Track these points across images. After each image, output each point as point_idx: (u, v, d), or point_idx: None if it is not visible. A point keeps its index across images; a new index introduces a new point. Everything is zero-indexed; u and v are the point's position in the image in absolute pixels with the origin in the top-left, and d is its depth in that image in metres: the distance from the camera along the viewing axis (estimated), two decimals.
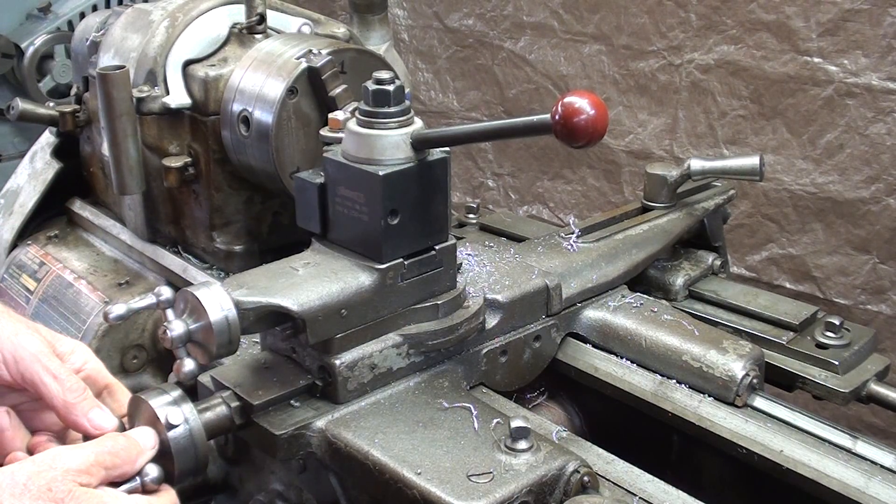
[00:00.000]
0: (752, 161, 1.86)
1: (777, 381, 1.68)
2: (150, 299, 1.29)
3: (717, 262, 1.95)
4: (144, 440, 1.24)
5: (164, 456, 1.25)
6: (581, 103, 1.21)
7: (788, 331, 1.74)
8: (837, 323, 1.71)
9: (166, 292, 1.29)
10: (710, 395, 1.54)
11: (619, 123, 3.33)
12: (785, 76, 2.92)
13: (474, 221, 2.17)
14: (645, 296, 1.76)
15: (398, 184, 1.37)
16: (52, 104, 2.17)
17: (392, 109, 1.39)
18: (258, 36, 1.84)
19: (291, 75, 1.69)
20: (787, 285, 3.04)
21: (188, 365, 1.29)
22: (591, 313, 1.70)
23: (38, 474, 1.11)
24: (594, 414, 1.71)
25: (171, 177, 1.83)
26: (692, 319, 1.67)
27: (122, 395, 1.35)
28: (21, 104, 2.09)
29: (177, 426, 1.25)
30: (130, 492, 1.22)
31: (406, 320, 1.44)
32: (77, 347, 1.34)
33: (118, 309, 1.29)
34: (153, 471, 1.23)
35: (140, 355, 1.92)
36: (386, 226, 1.37)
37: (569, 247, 1.78)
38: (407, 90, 1.45)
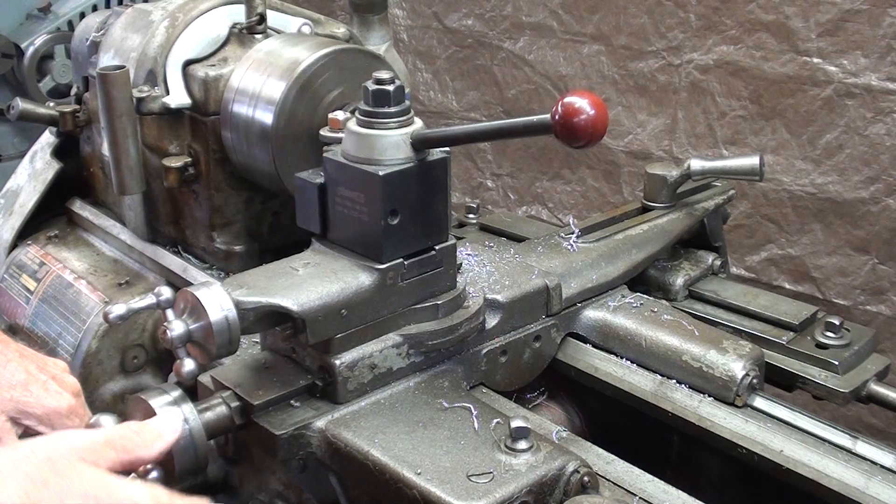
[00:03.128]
0: (752, 161, 1.86)
1: (777, 381, 1.68)
2: (150, 299, 1.29)
3: (717, 262, 1.95)
4: (165, 426, 1.22)
5: (164, 456, 1.25)
6: (581, 103, 1.21)
7: (788, 331, 1.74)
8: (837, 323, 1.71)
9: (166, 292, 1.29)
10: (710, 395, 1.54)
11: (619, 124, 3.33)
12: (784, 76, 2.92)
13: (474, 221, 2.17)
14: (645, 296, 1.76)
15: (398, 184, 1.37)
16: (52, 104, 2.17)
17: (392, 109, 1.39)
18: (258, 36, 1.84)
19: (291, 75, 1.69)
20: (787, 286, 3.04)
21: (188, 365, 1.29)
22: (591, 313, 1.70)
23: (42, 448, 1.09)
24: (594, 414, 1.71)
25: (171, 177, 1.83)
26: (692, 319, 1.67)
27: None
28: (21, 104, 2.09)
29: None
30: None
31: (406, 320, 1.44)
32: None
33: (118, 309, 1.29)
34: (153, 471, 1.23)
35: (140, 355, 1.92)
36: (386, 226, 1.37)
37: (569, 247, 1.78)
38: (407, 90, 1.45)
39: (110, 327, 1.88)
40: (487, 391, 1.54)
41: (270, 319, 1.35)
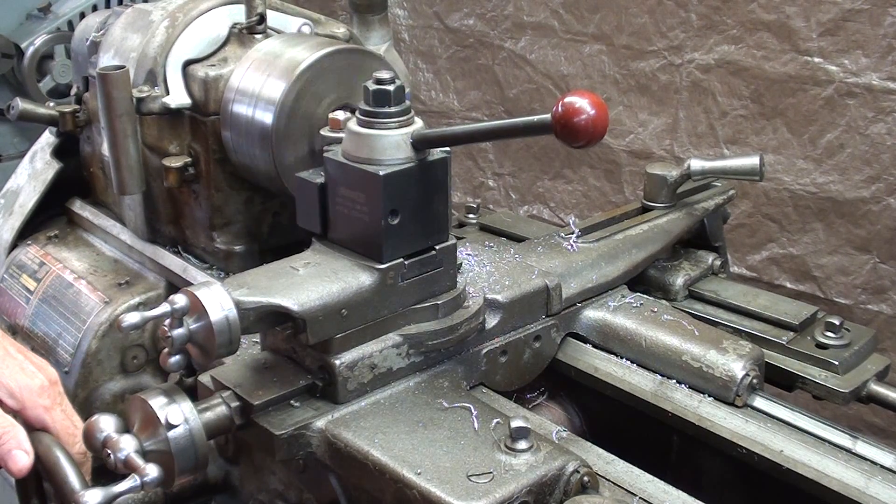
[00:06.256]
0: (752, 161, 1.86)
1: (777, 381, 1.68)
2: (164, 307, 1.27)
3: (717, 262, 1.94)
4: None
5: (164, 456, 1.25)
6: (581, 103, 1.21)
7: (788, 331, 1.74)
8: (837, 323, 1.71)
9: (181, 300, 1.27)
10: (710, 395, 1.54)
11: (620, 123, 3.33)
12: (785, 76, 2.92)
13: (474, 221, 2.16)
14: (645, 296, 1.76)
15: (398, 184, 1.37)
16: (52, 104, 2.16)
17: (392, 109, 1.39)
18: (258, 36, 1.84)
19: (291, 75, 1.69)
20: (788, 285, 3.04)
21: (174, 356, 1.29)
22: (591, 313, 1.70)
23: None
24: (594, 414, 1.71)
25: (171, 177, 1.83)
26: (692, 319, 1.67)
27: None
28: (21, 104, 2.09)
29: (177, 426, 1.25)
30: (129, 491, 1.22)
31: (406, 320, 1.44)
32: None
33: (132, 318, 1.26)
34: (153, 471, 1.23)
35: (140, 355, 1.92)
36: (386, 226, 1.37)
37: (569, 247, 1.78)
38: (407, 90, 1.45)
39: (110, 327, 1.89)
40: (487, 391, 1.54)
41: (270, 319, 1.35)
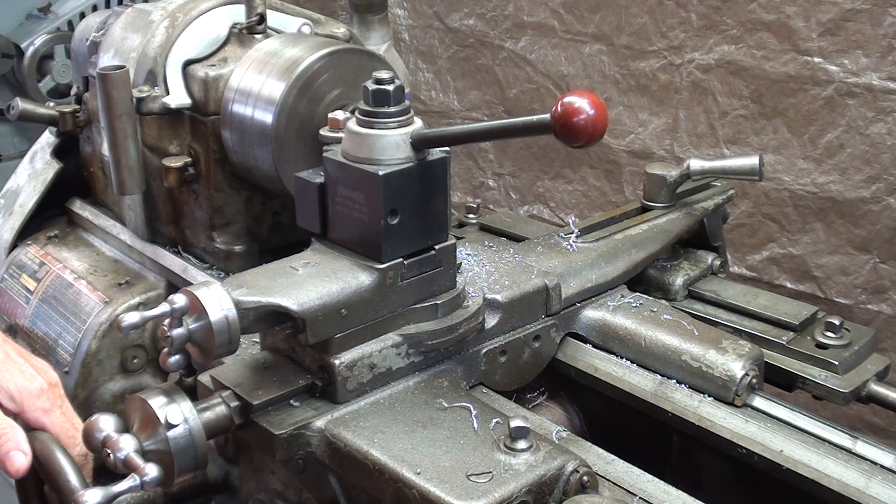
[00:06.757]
0: (752, 161, 1.86)
1: (777, 381, 1.68)
2: (164, 307, 1.27)
3: (717, 262, 1.94)
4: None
5: (163, 455, 1.25)
6: (581, 103, 1.21)
7: (788, 331, 1.74)
8: (837, 323, 1.71)
9: (180, 300, 1.27)
10: (709, 395, 1.54)
11: (620, 123, 3.33)
12: (785, 76, 2.92)
13: (474, 221, 2.16)
14: (644, 296, 1.76)
15: (398, 184, 1.37)
16: (52, 104, 2.16)
17: (392, 109, 1.39)
18: (258, 36, 1.84)
19: (291, 75, 1.69)
20: (788, 285, 3.04)
21: (174, 355, 1.29)
22: (591, 313, 1.70)
23: None
24: (594, 414, 1.71)
25: (171, 177, 1.83)
26: (692, 319, 1.67)
27: None
28: (21, 104, 2.09)
29: (176, 426, 1.25)
30: (129, 490, 1.22)
31: (406, 320, 1.44)
32: None
33: (131, 318, 1.26)
34: (153, 471, 1.23)
35: (140, 355, 1.92)
36: (386, 225, 1.37)
37: (568, 247, 1.78)
38: (406, 90, 1.45)
39: (110, 327, 1.89)
40: (487, 391, 1.54)
41: (270, 319, 1.35)
